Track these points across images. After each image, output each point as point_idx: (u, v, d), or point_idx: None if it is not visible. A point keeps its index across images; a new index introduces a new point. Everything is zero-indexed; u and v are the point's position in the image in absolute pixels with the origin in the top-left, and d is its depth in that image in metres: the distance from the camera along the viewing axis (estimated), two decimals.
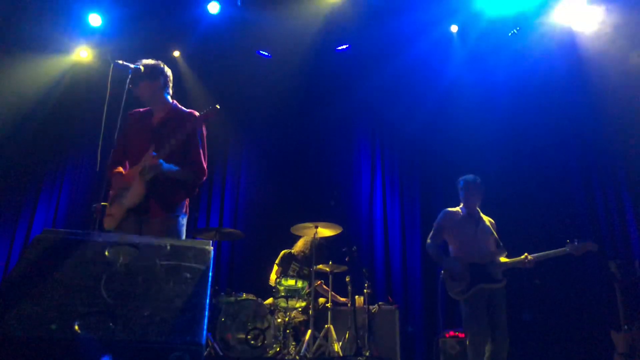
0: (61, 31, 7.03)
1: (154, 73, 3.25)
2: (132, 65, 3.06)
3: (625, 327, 4.68)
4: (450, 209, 4.61)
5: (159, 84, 3.27)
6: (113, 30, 7.13)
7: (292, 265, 5.92)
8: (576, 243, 4.24)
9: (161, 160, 2.98)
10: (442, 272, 4.43)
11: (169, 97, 3.35)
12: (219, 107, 3.09)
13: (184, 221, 3.21)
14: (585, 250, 4.25)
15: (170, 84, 3.37)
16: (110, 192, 3.22)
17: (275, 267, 5.92)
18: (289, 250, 6.01)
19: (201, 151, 3.25)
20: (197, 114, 3.21)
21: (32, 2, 6.52)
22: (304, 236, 5.93)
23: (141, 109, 3.39)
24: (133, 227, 3.05)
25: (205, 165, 3.27)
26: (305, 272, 5.77)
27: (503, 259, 4.36)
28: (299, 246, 6.01)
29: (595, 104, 6.34)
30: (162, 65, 3.32)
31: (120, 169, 3.21)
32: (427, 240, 4.56)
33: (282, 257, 5.97)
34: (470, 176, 4.58)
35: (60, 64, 7.33)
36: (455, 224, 4.50)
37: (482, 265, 4.27)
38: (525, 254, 4.30)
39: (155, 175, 3.00)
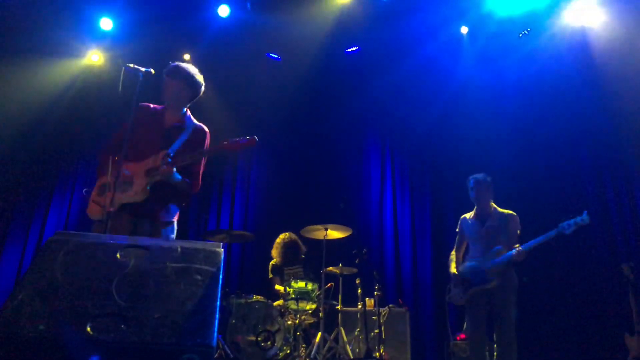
0: (73, 35, 7.10)
1: (193, 82, 3.30)
2: (142, 69, 3.07)
3: (639, 330, 4.62)
4: (465, 214, 4.67)
5: (189, 93, 3.31)
6: (124, 34, 7.18)
7: (285, 272, 5.90)
8: (565, 221, 4.02)
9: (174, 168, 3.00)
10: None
11: (186, 108, 3.38)
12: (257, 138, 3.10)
13: (175, 229, 3.23)
14: (577, 226, 3.99)
15: (194, 100, 3.40)
16: (103, 179, 3.14)
17: (272, 280, 5.93)
18: (274, 261, 6.02)
19: (202, 164, 3.34)
20: (206, 129, 3.33)
21: (45, 6, 6.58)
22: (277, 243, 6.01)
23: (152, 105, 3.38)
24: (127, 227, 3.00)
25: (200, 180, 3.33)
26: (312, 275, 5.77)
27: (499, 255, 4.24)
28: (275, 255, 6.04)
29: (607, 103, 6.29)
30: (202, 81, 3.36)
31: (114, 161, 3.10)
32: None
33: (271, 269, 6.00)
34: (479, 175, 4.56)
35: (73, 67, 7.38)
36: (468, 228, 4.56)
37: (478, 267, 4.27)
38: (517, 245, 4.18)
39: (161, 180, 3.02)
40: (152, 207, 3.08)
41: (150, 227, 3.07)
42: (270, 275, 5.97)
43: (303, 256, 6.01)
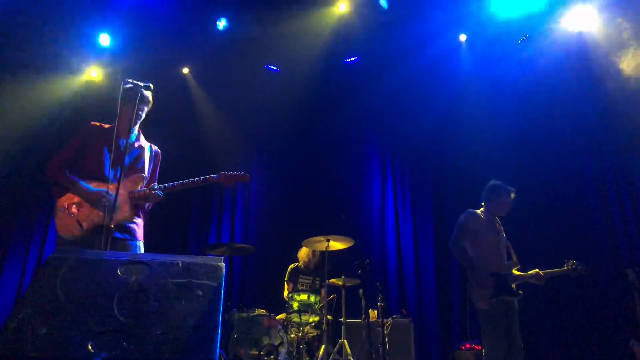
0: (72, 52, 7.11)
1: (148, 101, 3.32)
2: (141, 84, 3.07)
3: None
4: (475, 210, 4.44)
5: (144, 111, 3.33)
6: (123, 49, 7.20)
7: (300, 279, 5.88)
8: (571, 266, 4.33)
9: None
10: (469, 281, 4.26)
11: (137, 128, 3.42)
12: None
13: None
14: (577, 273, 4.30)
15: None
16: (68, 197, 3.11)
17: (285, 285, 5.90)
18: (296, 264, 5.99)
19: None
20: (159, 149, 3.48)
21: (44, 23, 6.61)
22: (306, 247, 5.90)
23: (98, 123, 3.33)
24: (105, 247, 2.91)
25: None
26: (317, 286, 5.74)
27: (516, 272, 4.27)
28: (302, 257, 5.98)
29: (608, 109, 6.27)
30: (151, 98, 3.36)
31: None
32: (451, 242, 4.32)
33: (289, 273, 5.96)
34: (511, 188, 4.45)
35: (72, 84, 7.39)
36: (481, 226, 4.32)
37: (503, 276, 4.18)
38: (536, 270, 4.25)
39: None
40: (136, 228, 3.18)
41: (129, 248, 3.10)
42: (286, 279, 5.95)
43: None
